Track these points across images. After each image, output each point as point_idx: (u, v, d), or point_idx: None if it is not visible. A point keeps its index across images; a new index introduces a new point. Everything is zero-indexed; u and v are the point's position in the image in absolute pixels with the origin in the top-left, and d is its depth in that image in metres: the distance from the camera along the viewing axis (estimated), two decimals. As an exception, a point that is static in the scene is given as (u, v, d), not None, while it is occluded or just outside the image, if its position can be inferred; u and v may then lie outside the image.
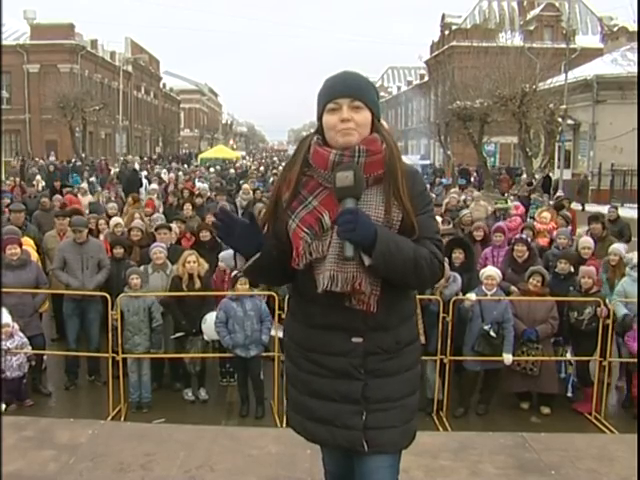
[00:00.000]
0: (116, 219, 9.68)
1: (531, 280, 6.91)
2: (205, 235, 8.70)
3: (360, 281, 2.23)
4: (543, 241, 9.46)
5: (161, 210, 12.37)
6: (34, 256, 7.97)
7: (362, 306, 2.28)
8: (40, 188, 17.81)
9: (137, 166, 29.26)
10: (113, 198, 13.44)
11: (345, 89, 2.30)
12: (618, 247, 7.85)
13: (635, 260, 7.25)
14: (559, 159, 26.73)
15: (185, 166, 37.41)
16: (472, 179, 30.36)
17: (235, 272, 7.02)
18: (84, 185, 16.51)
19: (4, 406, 6.35)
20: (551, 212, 10.96)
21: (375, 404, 2.33)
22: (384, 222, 2.25)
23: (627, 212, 20.71)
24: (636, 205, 20.66)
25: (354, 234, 2.15)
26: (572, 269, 7.50)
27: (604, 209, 13.18)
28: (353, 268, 2.23)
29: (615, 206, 12.66)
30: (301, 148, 2.40)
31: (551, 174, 26.60)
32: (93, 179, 23.22)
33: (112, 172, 26.37)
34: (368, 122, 2.33)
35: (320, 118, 2.37)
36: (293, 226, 2.30)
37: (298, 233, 2.29)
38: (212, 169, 31.05)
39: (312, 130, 2.54)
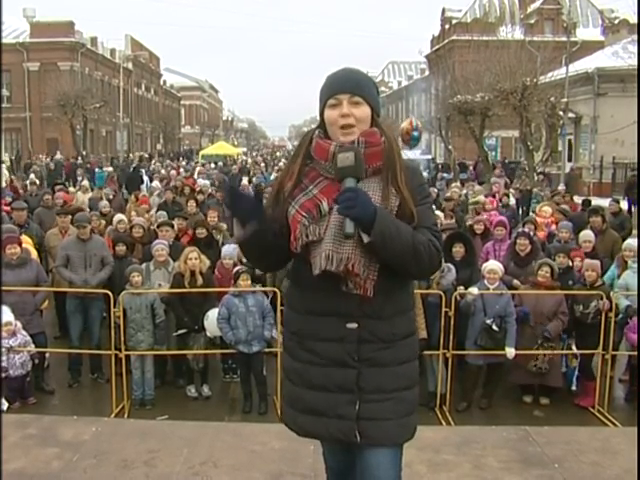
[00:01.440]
0: (119, 216, 9.68)
1: (539, 271, 6.89)
2: (201, 232, 8.65)
3: (354, 262, 2.26)
4: (540, 234, 9.46)
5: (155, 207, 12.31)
6: (33, 254, 7.98)
7: (359, 290, 2.31)
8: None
9: (159, 164, 29.38)
10: (111, 196, 13.41)
11: (345, 85, 2.37)
12: (632, 243, 7.72)
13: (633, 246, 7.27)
14: (567, 152, 26.69)
15: (184, 162, 37.32)
16: (469, 173, 30.26)
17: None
18: (85, 183, 16.49)
19: (5, 405, 6.36)
20: (552, 206, 10.97)
21: (368, 394, 2.34)
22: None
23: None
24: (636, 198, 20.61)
25: (354, 210, 2.19)
26: (570, 263, 7.50)
27: (605, 202, 13.20)
28: (349, 249, 2.27)
29: (617, 199, 12.70)
30: (304, 142, 2.48)
31: (546, 169, 26.56)
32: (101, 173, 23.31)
33: (110, 169, 26.32)
34: (368, 117, 2.39)
35: (322, 113, 2.44)
36: (292, 212, 2.36)
37: (297, 217, 2.34)
38: (213, 165, 31.04)
39: (313, 126, 2.59)
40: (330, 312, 2.35)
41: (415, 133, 21.83)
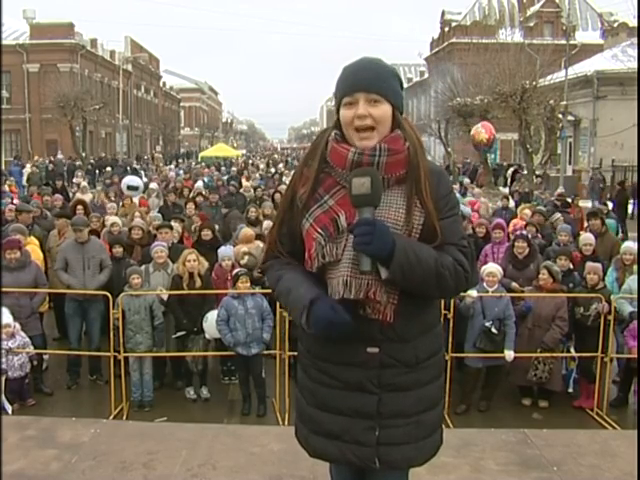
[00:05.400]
0: (113, 218, 9.65)
1: (540, 275, 6.87)
2: (207, 234, 8.70)
3: (375, 290, 2.10)
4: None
5: (156, 209, 12.27)
6: (38, 256, 7.95)
7: (378, 315, 2.14)
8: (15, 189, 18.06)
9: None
10: (113, 197, 13.39)
11: (361, 82, 2.13)
12: (631, 245, 7.66)
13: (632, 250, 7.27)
14: (568, 155, 26.76)
15: (173, 165, 37.25)
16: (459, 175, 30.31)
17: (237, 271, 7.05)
18: (84, 183, 16.46)
19: (10, 408, 6.35)
20: (531, 209, 10.96)
21: (388, 420, 2.21)
22: (404, 226, 2.12)
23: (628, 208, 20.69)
24: (636, 201, 20.66)
25: (371, 247, 2.02)
26: (571, 266, 7.49)
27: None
28: (369, 275, 2.09)
29: (605, 202, 13.37)
30: (318, 143, 2.25)
31: (545, 171, 26.64)
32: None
33: (109, 170, 26.32)
34: (387, 117, 2.16)
35: (337, 111, 2.22)
36: (307, 226, 2.17)
37: (311, 233, 2.15)
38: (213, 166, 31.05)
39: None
40: (349, 335, 2.15)
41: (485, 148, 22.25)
